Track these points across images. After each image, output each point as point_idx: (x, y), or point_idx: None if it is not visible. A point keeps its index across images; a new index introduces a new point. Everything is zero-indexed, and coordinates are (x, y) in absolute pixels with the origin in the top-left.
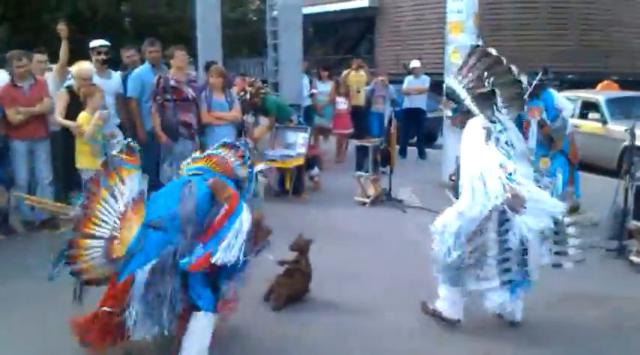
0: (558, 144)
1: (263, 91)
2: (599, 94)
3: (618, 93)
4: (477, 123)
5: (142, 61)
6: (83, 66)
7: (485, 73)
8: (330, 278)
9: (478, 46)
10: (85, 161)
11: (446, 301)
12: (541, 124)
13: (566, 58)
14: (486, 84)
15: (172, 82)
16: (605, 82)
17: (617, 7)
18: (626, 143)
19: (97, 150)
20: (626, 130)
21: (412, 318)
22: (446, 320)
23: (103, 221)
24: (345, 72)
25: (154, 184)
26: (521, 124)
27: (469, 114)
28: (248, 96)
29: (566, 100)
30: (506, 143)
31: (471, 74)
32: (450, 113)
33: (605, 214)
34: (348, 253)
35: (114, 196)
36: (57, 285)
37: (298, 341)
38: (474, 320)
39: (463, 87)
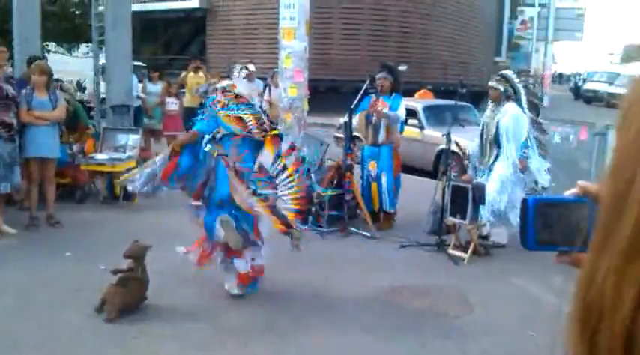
0: (391, 134)
1: (71, 93)
2: (416, 102)
3: (433, 101)
4: (520, 112)
5: None
6: None
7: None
8: (168, 283)
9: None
10: None
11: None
12: (376, 110)
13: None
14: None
15: None
16: (422, 91)
17: (430, 20)
18: (442, 147)
19: None
20: (443, 135)
21: (252, 319)
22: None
23: None
24: (183, 73)
25: None
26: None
27: (508, 99)
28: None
29: (404, 110)
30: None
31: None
32: (501, 89)
33: (425, 212)
34: (185, 257)
35: None
36: None
37: (135, 354)
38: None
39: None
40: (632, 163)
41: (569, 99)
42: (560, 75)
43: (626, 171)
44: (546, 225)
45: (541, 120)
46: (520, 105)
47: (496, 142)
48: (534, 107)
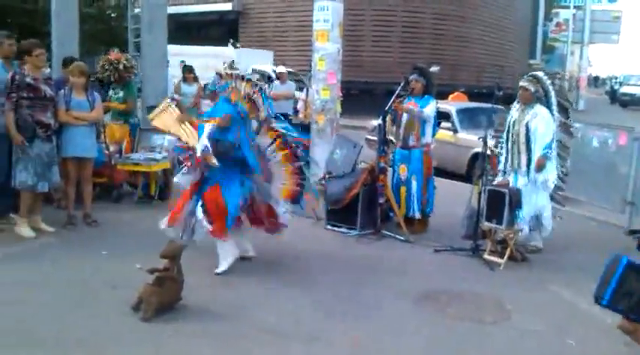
0: (415, 126)
1: (135, 72)
2: (450, 105)
3: (467, 104)
4: (548, 114)
5: None
6: None
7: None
8: (203, 283)
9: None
10: None
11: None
12: (397, 106)
13: None
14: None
15: (29, 79)
16: (456, 94)
17: (464, 23)
18: (476, 150)
19: None
20: (479, 138)
21: (286, 319)
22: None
23: None
24: None
25: (3, 188)
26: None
27: (538, 101)
28: (122, 66)
29: (433, 112)
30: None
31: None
32: (532, 89)
33: (459, 216)
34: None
35: None
36: None
37: (170, 352)
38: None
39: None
40: None
41: (605, 102)
42: (596, 78)
43: None
44: (627, 289)
45: (571, 123)
46: (549, 107)
47: (527, 146)
48: (564, 110)
